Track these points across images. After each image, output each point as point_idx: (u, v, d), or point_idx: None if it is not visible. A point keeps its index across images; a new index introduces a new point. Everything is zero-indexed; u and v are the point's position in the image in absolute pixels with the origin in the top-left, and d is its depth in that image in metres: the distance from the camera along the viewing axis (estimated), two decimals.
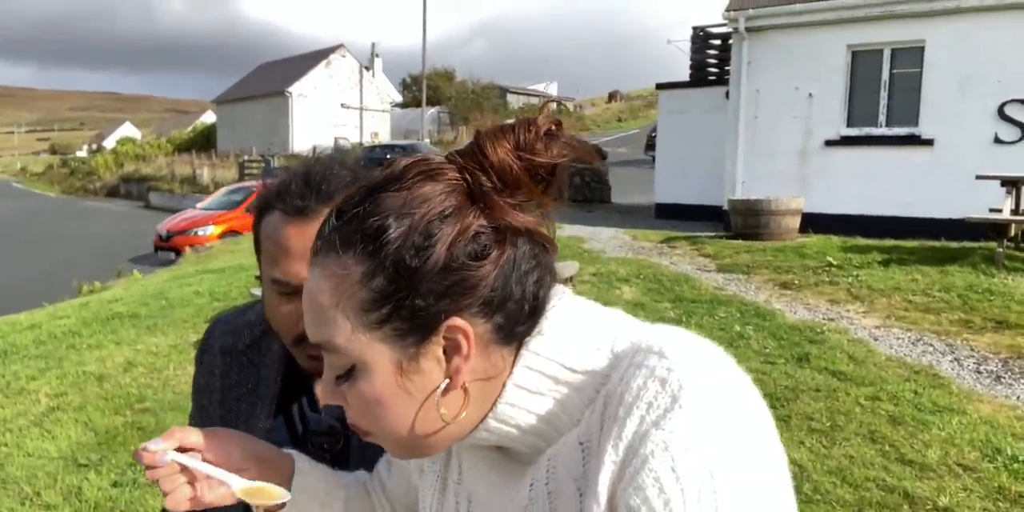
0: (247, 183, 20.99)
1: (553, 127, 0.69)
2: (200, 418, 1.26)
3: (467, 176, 0.68)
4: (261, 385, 1.19)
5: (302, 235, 1.01)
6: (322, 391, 0.77)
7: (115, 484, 3.59)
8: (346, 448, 1.14)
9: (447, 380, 0.69)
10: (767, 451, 0.64)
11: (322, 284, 0.69)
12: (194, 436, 0.86)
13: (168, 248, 15.65)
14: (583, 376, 0.71)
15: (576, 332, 0.73)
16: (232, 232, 16.02)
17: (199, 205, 18.62)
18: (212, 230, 15.96)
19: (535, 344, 0.72)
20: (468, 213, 0.67)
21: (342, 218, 0.69)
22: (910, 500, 3.02)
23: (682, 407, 0.62)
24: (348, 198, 0.71)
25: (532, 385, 0.71)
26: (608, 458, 0.64)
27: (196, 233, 15.80)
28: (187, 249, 14.77)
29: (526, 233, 0.70)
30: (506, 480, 0.77)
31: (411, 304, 0.66)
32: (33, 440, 4.23)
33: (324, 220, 0.72)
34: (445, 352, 0.69)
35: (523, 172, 0.68)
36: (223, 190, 20.12)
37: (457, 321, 0.67)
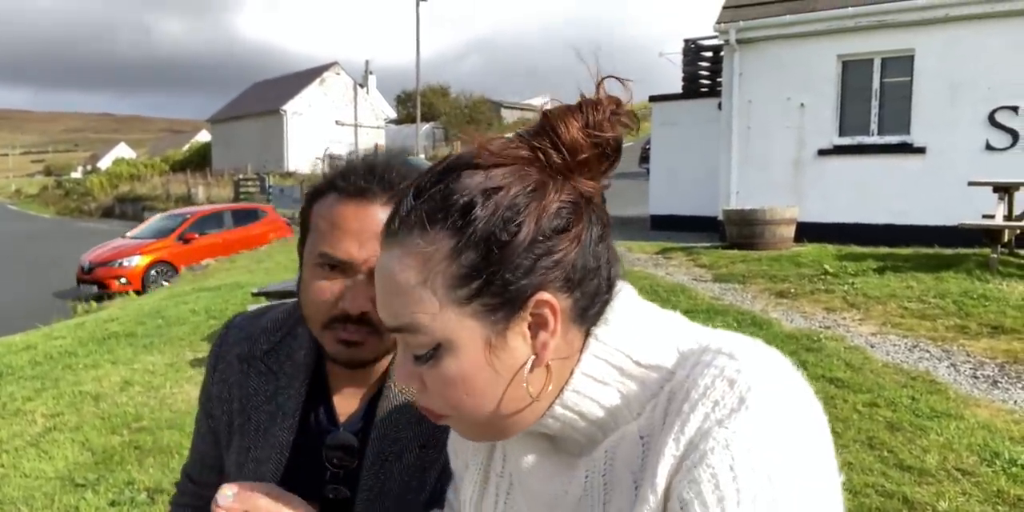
0: (182, 210, 19.20)
1: (616, 106, 0.71)
2: (208, 425, 1.24)
3: (539, 154, 0.70)
4: (281, 394, 1.16)
5: (359, 214, 1.04)
6: (397, 374, 0.76)
7: (112, 504, 3.57)
8: (358, 467, 1.12)
9: (533, 356, 0.70)
10: (825, 462, 0.65)
11: (405, 262, 0.69)
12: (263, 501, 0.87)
13: (90, 281, 14.05)
14: (648, 370, 0.72)
15: (642, 325, 0.75)
16: (162, 263, 14.70)
17: (129, 233, 16.98)
18: (138, 261, 14.36)
19: (602, 333, 0.73)
20: (549, 188, 0.69)
21: (421, 196, 0.70)
22: (909, 505, 3.02)
23: (748, 409, 0.63)
24: (424, 178, 0.71)
25: (598, 374, 0.72)
26: (668, 451, 0.65)
27: (121, 264, 14.20)
28: (114, 283, 13.66)
29: (597, 209, 0.72)
30: (557, 470, 0.77)
31: (502, 278, 0.67)
32: (30, 461, 4.21)
33: (398, 201, 0.72)
34: (530, 328, 0.70)
35: (592, 149, 0.70)
36: (156, 216, 18.54)
37: (544, 295, 0.68)
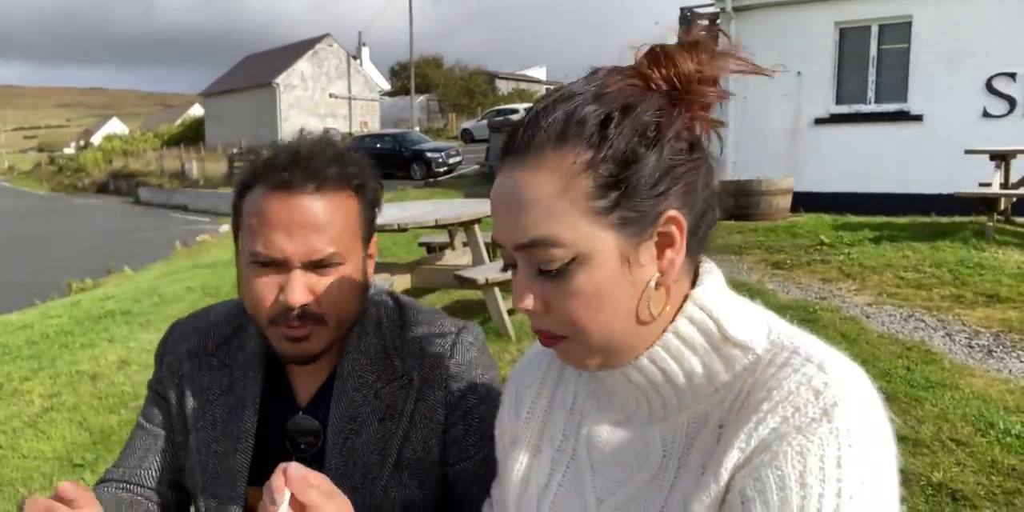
0: None
1: (715, 45, 0.75)
2: (157, 412, 1.23)
3: (652, 84, 0.73)
4: (237, 385, 1.16)
5: (285, 206, 1.02)
6: (516, 294, 0.75)
7: None
8: (322, 450, 1.13)
9: (659, 275, 0.72)
10: (892, 485, 0.66)
11: (538, 177, 0.70)
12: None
13: None
14: (736, 348, 0.73)
15: (736, 302, 0.77)
16: None
17: None
18: None
19: (699, 296, 0.75)
20: (674, 112, 0.72)
21: (547, 117, 0.71)
22: (904, 476, 3.02)
23: (831, 422, 0.64)
24: (544, 103, 0.73)
25: (689, 336, 0.74)
26: (738, 444, 0.66)
27: None
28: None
29: (705, 144, 0.76)
30: (633, 445, 0.78)
31: (638, 192, 0.69)
32: (28, 441, 4.22)
33: (517, 124, 0.74)
34: (658, 246, 0.72)
35: (700, 84, 0.73)
36: None
37: (673, 212, 0.71)
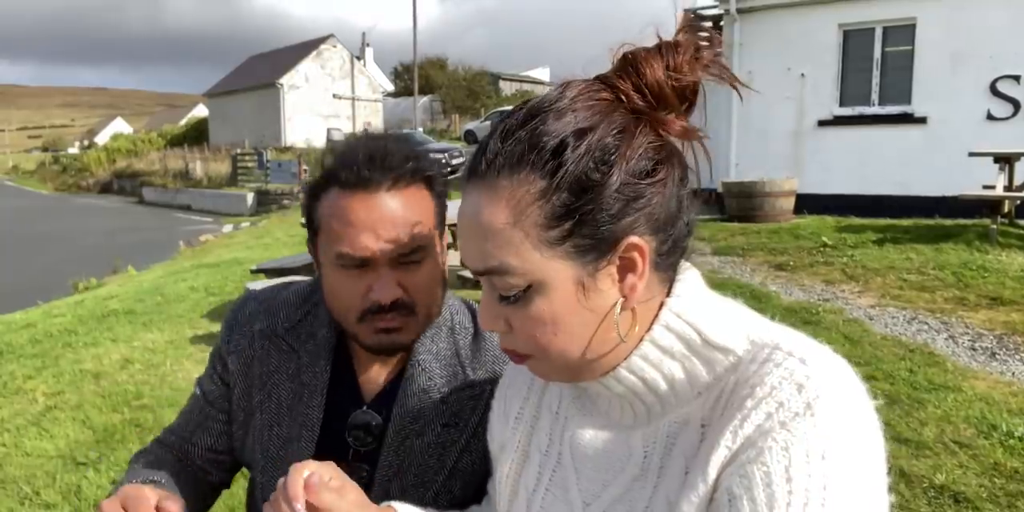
0: None
1: (696, 49, 0.71)
2: (216, 386, 1.22)
3: (621, 96, 0.70)
4: (304, 372, 1.15)
5: (366, 206, 1.02)
6: (481, 316, 0.77)
7: (114, 482, 3.59)
8: (378, 448, 1.12)
9: (622, 299, 0.71)
10: (879, 478, 0.65)
11: (494, 204, 0.69)
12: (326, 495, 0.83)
13: None
14: (716, 351, 0.72)
15: (712, 305, 0.75)
16: None
17: None
18: None
19: (675, 304, 0.74)
20: (637, 130, 0.69)
21: (508, 139, 0.69)
22: (906, 478, 3.03)
23: (814, 416, 0.63)
24: (508, 121, 0.71)
25: (667, 344, 0.73)
26: (724, 442, 0.66)
27: None
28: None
29: (677, 153, 0.73)
30: (616, 447, 0.78)
31: (593, 219, 0.68)
32: (31, 439, 4.23)
33: (483, 144, 0.72)
34: (619, 271, 0.70)
35: (672, 92, 0.70)
36: None
37: (634, 238, 0.69)
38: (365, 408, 1.14)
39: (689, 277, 0.76)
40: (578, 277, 0.69)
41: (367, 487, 1.11)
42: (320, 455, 1.10)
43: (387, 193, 1.03)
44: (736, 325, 0.73)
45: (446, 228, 1.16)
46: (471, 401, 1.12)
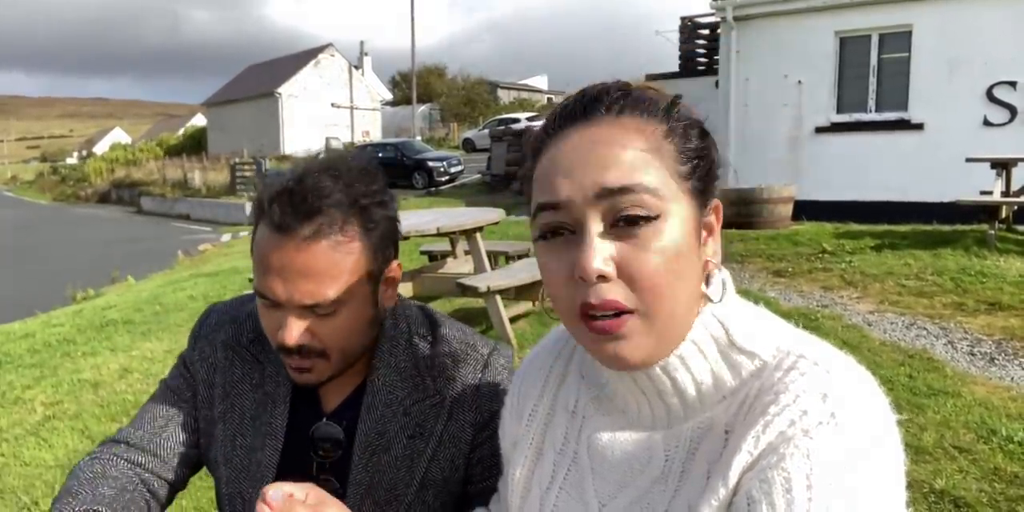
0: None
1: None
2: (184, 387, 1.21)
3: None
4: (268, 382, 1.15)
5: (279, 252, 0.99)
6: (587, 254, 0.67)
7: None
8: (345, 462, 1.12)
9: (705, 261, 0.75)
10: (899, 488, 0.65)
11: (627, 134, 0.71)
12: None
13: None
14: (743, 355, 0.73)
15: (743, 309, 0.77)
16: None
17: None
18: None
19: (715, 307, 0.75)
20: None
21: (610, 91, 0.75)
22: (906, 484, 3.03)
23: (838, 425, 0.64)
24: (597, 84, 0.77)
25: (702, 344, 0.73)
26: (746, 447, 0.66)
27: None
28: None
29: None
30: (636, 448, 0.78)
31: (710, 165, 0.73)
32: (30, 449, 4.22)
33: (578, 93, 0.76)
34: (705, 228, 0.75)
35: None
36: None
37: (716, 201, 0.76)
38: (326, 420, 1.14)
39: (730, 280, 0.78)
40: (696, 217, 0.72)
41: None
42: (283, 465, 1.11)
43: (305, 242, 0.98)
44: (763, 330, 0.74)
45: (394, 259, 1.12)
46: (434, 409, 1.12)
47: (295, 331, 1.01)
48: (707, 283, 0.74)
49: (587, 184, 0.68)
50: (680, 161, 0.71)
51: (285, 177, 1.03)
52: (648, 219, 0.68)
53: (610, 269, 0.67)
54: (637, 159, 0.69)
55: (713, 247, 0.74)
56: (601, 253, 0.67)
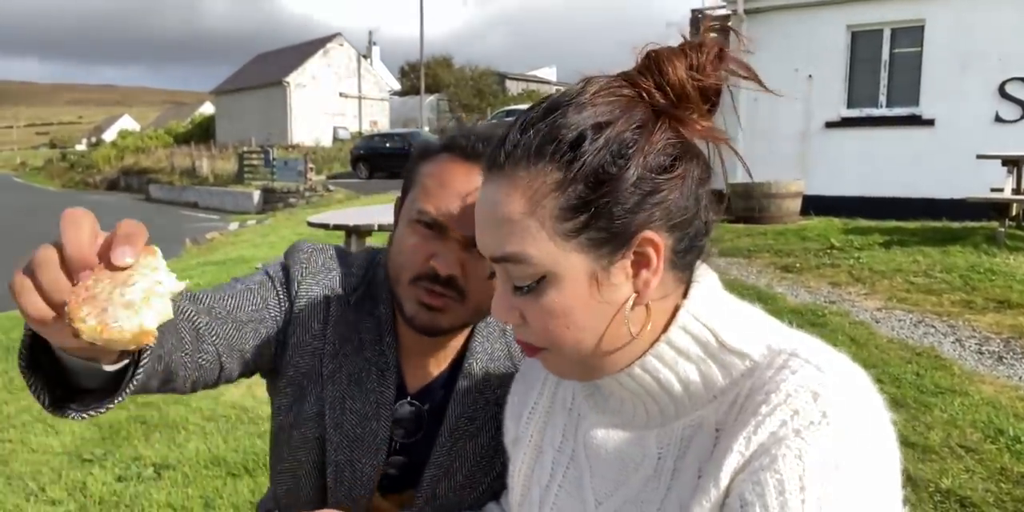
0: None
1: (719, 50, 0.72)
2: (271, 302, 1.10)
3: (643, 93, 0.71)
4: (367, 349, 1.11)
5: (469, 175, 1.01)
6: (495, 306, 0.76)
7: (119, 479, 3.60)
8: (429, 444, 1.10)
9: (635, 294, 0.71)
10: (893, 488, 0.65)
11: (510, 195, 0.70)
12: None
13: None
14: (733, 356, 0.72)
15: (731, 308, 0.75)
16: None
17: None
18: None
19: (692, 306, 0.74)
20: (656, 126, 0.70)
21: (528, 131, 0.70)
22: (912, 482, 3.02)
23: (830, 425, 0.63)
24: (529, 113, 0.72)
25: (683, 345, 0.73)
26: (737, 447, 0.65)
27: None
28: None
29: (698, 152, 0.73)
30: (630, 447, 0.78)
31: (608, 213, 0.68)
32: (37, 436, 4.24)
33: (503, 135, 0.73)
34: (633, 266, 0.71)
35: (694, 91, 0.70)
36: None
37: (649, 234, 0.69)
38: (409, 399, 1.12)
39: (707, 279, 0.76)
40: (592, 270, 0.69)
41: (407, 482, 1.11)
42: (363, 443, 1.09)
43: (481, 173, 1.03)
44: (754, 330, 0.73)
45: None
46: None
47: (453, 259, 1.01)
48: (646, 309, 0.72)
49: (484, 249, 0.74)
50: (562, 218, 0.68)
51: (473, 126, 1.09)
52: (527, 287, 0.71)
53: (514, 319, 0.74)
54: (513, 227, 0.70)
55: (646, 277, 0.70)
56: (505, 305, 0.75)
